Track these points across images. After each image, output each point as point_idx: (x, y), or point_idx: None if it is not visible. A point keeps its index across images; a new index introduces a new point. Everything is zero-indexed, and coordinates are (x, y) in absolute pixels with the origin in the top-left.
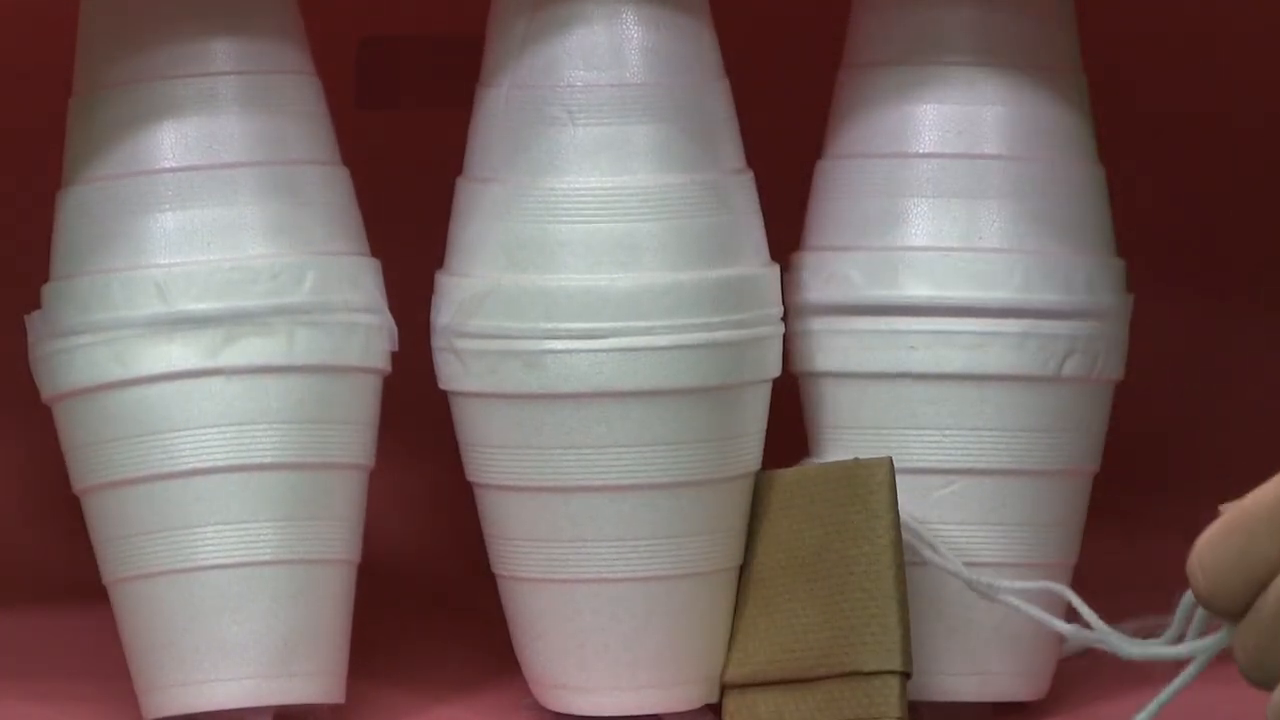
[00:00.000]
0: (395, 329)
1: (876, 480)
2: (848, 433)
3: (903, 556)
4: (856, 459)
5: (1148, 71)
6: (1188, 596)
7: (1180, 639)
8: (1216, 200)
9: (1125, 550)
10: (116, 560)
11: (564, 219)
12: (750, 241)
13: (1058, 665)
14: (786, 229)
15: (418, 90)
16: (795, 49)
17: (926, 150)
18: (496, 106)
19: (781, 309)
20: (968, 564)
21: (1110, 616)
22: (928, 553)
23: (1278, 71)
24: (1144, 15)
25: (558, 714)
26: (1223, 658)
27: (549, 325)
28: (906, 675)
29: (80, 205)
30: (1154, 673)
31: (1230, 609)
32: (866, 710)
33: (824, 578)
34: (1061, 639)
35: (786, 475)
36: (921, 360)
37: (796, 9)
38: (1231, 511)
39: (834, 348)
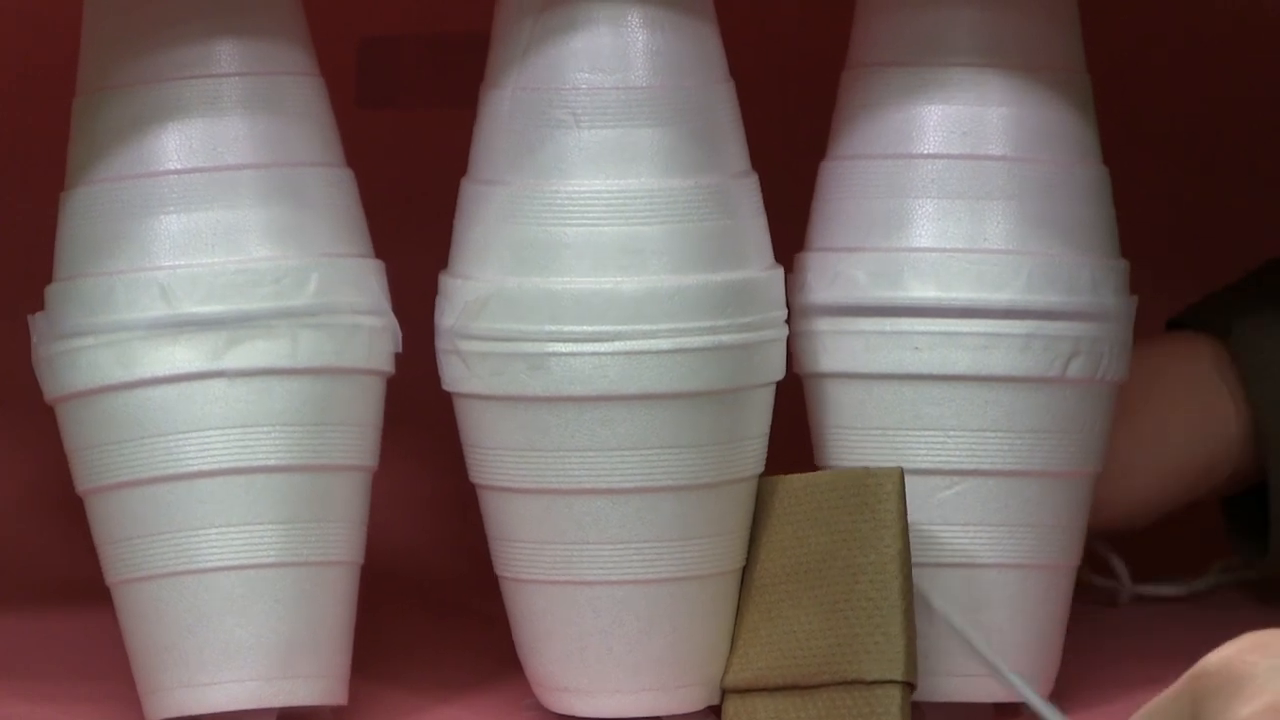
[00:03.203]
0: (399, 331)
1: (886, 490)
2: (852, 433)
3: (910, 567)
4: (866, 468)
5: (1150, 72)
6: None
7: None
8: (1217, 200)
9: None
10: (120, 562)
11: (569, 222)
12: (755, 245)
13: (1059, 666)
14: (791, 230)
15: (419, 89)
16: (799, 51)
17: (931, 151)
18: (501, 109)
19: (785, 312)
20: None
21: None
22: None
23: (1277, 71)
24: (1146, 16)
25: (560, 716)
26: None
27: (553, 328)
28: (909, 685)
29: (84, 207)
30: (1157, 674)
31: None
32: (867, 719)
33: (829, 584)
34: (1061, 639)
35: (794, 481)
36: (926, 361)
37: (800, 11)
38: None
39: (839, 349)
